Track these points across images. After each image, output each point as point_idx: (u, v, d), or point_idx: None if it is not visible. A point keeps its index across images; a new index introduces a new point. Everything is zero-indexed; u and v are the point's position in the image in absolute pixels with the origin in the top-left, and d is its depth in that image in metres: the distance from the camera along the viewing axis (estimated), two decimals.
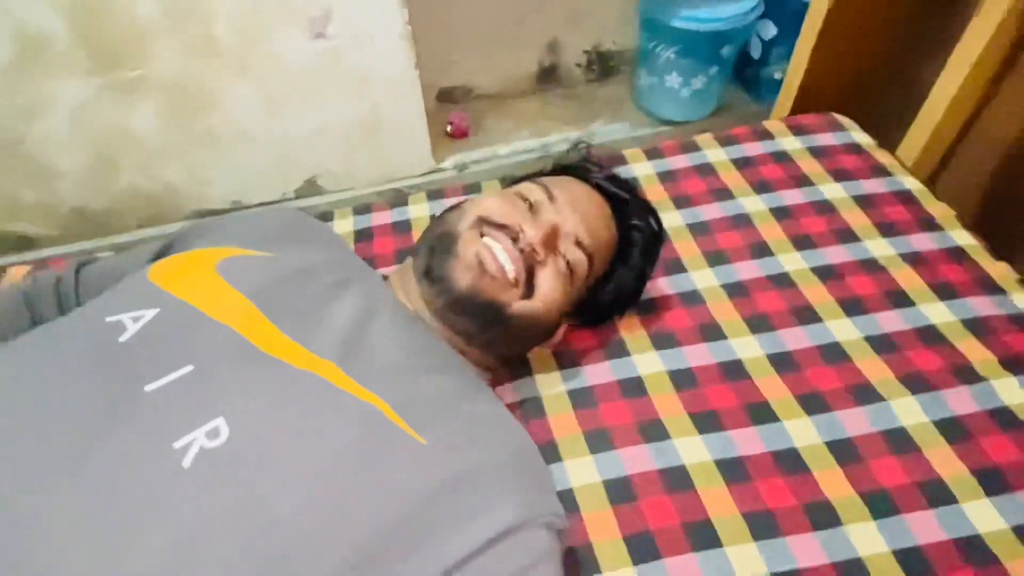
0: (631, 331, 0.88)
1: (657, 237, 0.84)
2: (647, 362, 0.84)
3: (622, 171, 0.99)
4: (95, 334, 0.59)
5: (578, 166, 0.85)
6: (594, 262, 0.76)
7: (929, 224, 0.99)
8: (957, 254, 0.94)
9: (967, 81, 1.10)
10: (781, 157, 1.12)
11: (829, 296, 0.90)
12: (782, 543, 0.67)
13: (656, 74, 1.81)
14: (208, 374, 0.56)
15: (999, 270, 0.92)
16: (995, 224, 1.09)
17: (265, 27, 1.40)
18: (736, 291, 0.92)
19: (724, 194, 1.07)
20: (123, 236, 1.63)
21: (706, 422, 0.77)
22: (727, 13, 1.65)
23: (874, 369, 0.81)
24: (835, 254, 0.95)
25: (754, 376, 0.82)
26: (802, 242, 0.97)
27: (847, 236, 0.98)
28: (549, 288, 0.71)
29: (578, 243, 0.73)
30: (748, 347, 0.85)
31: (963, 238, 0.97)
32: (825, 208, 1.02)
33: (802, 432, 0.76)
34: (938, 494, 0.70)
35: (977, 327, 0.85)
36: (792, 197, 1.05)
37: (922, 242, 0.96)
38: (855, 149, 1.13)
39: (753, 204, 1.04)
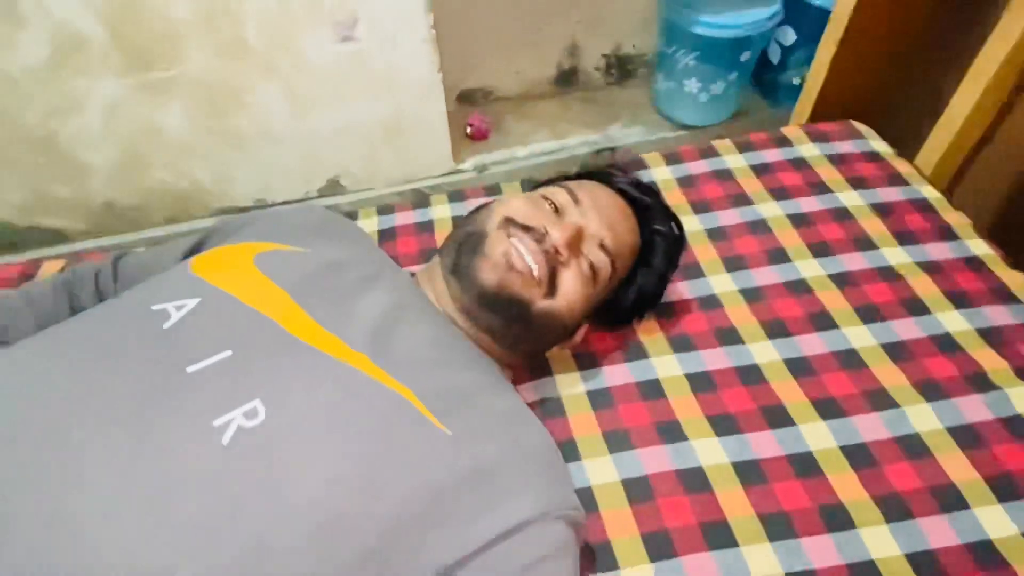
0: (649, 334, 0.90)
1: (679, 242, 0.85)
2: (665, 365, 0.86)
3: (641, 175, 1.01)
4: (142, 321, 0.62)
5: (602, 170, 0.87)
6: (616, 265, 0.77)
7: (946, 233, 1.00)
8: (974, 263, 0.96)
9: (987, 91, 1.11)
10: (799, 164, 1.13)
11: (846, 303, 0.91)
12: (797, 544, 0.69)
13: (675, 79, 1.82)
14: (246, 358, 0.59)
15: (1016, 280, 0.93)
16: (1012, 234, 1.10)
17: (293, 29, 1.43)
18: (753, 296, 0.93)
19: (742, 199, 1.08)
20: (151, 231, 1.67)
21: (723, 424, 0.79)
22: (747, 19, 1.66)
23: (889, 376, 0.83)
24: (852, 261, 0.97)
25: (770, 380, 0.83)
26: (819, 249, 0.99)
27: (864, 243, 0.99)
28: (571, 288, 0.73)
29: (602, 246, 0.75)
30: (765, 352, 0.87)
31: (980, 247, 0.98)
32: (842, 215, 1.04)
33: (817, 436, 0.77)
34: (951, 499, 0.71)
35: (992, 336, 0.86)
36: (810, 204, 1.06)
37: (939, 251, 0.97)
38: (873, 157, 1.14)
39: (771, 210, 1.06)
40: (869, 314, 0.90)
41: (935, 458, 0.75)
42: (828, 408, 0.80)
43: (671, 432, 0.79)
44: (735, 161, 1.15)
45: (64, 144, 1.49)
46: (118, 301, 0.69)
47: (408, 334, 0.67)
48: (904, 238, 0.99)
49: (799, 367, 0.85)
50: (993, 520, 0.69)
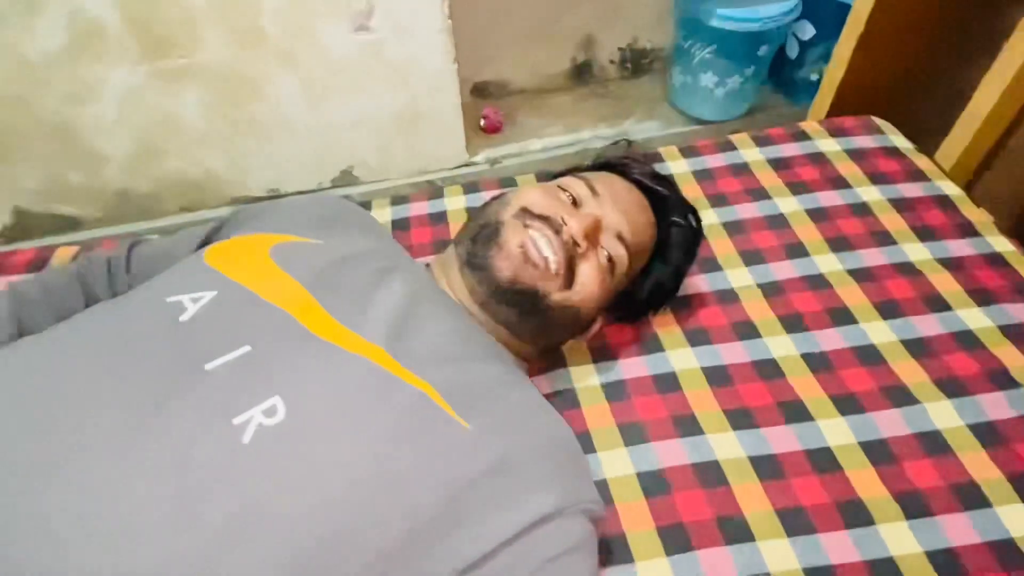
0: (665, 327, 0.89)
1: (696, 235, 0.85)
2: (681, 358, 0.85)
3: (657, 168, 1.00)
4: (157, 313, 0.61)
5: (619, 162, 0.86)
6: (634, 257, 0.77)
7: (967, 229, 0.99)
8: (995, 260, 0.94)
9: (1010, 87, 1.10)
10: (818, 159, 1.12)
11: (865, 298, 0.90)
12: (815, 540, 0.68)
13: (691, 73, 1.81)
14: (264, 354, 0.58)
15: None
16: None
17: (310, 19, 1.43)
18: (771, 290, 0.93)
19: (760, 194, 1.07)
20: (165, 220, 1.67)
21: (740, 419, 0.78)
22: (765, 13, 1.64)
23: (909, 372, 0.82)
24: (871, 257, 0.96)
25: (788, 375, 0.83)
26: (838, 244, 0.98)
27: (883, 239, 0.98)
28: (589, 280, 0.73)
29: (619, 237, 0.74)
30: (782, 346, 0.86)
31: (1001, 244, 0.97)
32: (862, 211, 1.02)
33: (836, 431, 0.77)
34: (972, 497, 0.70)
35: (1015, 333, 0.85)
36: (828, 199, 1.05)
37: (960, 247, 0.96)
38: (893, 153, 1.13)
39: (789, 205, 1.05)
40: (888, 310, 0.89)
41: (956, 455, 0.74)
42: (847, 403, 0.79)
43: (687, 425, 0.78)
44: (752, 155, 1.14)
45: (80, 131, 1.49)
46: (133, 293, 0.68)
47: (425, 327, 0.67)
48: (924, 234, 0.98)
49: (817, 362, 0.84)
50: (1016, 518, 0.68)
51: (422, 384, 0.60)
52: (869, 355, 0.84)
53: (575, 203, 0.75)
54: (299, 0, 1.39)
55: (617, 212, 0.75)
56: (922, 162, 1.11)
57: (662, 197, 0.83)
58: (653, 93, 2.00)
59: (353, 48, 1.49)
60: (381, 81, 1.56)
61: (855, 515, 0.70)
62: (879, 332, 0.86)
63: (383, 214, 1.10)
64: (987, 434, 0.75)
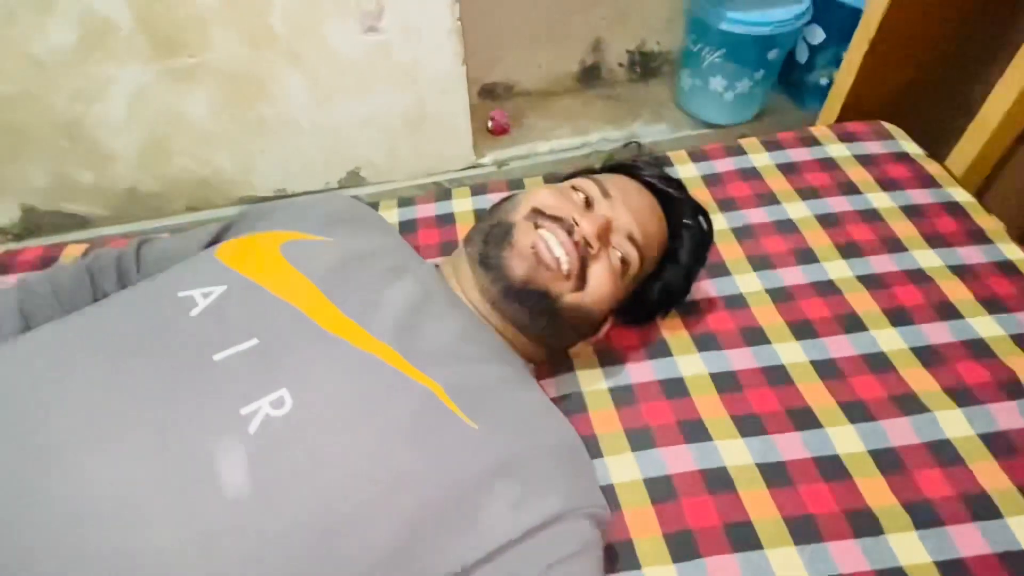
0: (674, 332, 0.88)
1: (706, 237, 0.84)
2: (689, 363, 0.85)
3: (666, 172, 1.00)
4: (168, 307, 0.61)
5: (629, 164, 0.86)
6: (645, 259, 0.76)
7: (978, 237, 0.98)
8: (1007, 268, 0.94)
9: (1022, 95, 1.09)
10: (828, 164, 1.12)
11: (875, 305, 0.90)
12: (823, 548, 0.68)
13: (700, 76, 1.80)
14: (273, 347, 0.58)
15: None
16: None
17: (319, 19, 1.43)
18: (780, 296, 0.92)
19: (769, 199, 1.07)
20: (173, 218, 1.67)
21: (748, 425, 0.78)
22: (776, 17, 1.64)
23: (920, 380, 0.81)
24: (881, 263, 0.95)
25: (797, 382, 0.82)
26: (848, 250, 0.97)
27: (894, 246, 0.97)
28: (601, 282, 0.72)
29: (630, 239, 0.74)
30: (791, 352, 0.85)
31: (1013, 252, 0.96)
32: (872, 217, 1.02)
33: (845, 439, 0.76)
34: (982, 507, 0.70)
35: None
36: (838, 204, 1.04)
37: (971, 255, 0.96)
38: (903, 158, 1.12)
39: (798, 210, 1.04)
40: (899, 317, 0.88)
41: (967, 465, 0.73)
42: (856, 411, 0.79)
43: (695, 431, 0.77)
44: (762, 160, 1.14)
45: (89, 129, 1.49)
46: (143, 286, 0.68)
47: (434, 326, 0.66)
48: (935, 241, 0.98)
49: (826, 369, 0.83)
50: None
51: (429, 383, 0.60)
52: (879, 362, 0.83)
53: (587, 204, 0.75)
54: (308, 0, 1.39)
55: (628, 213, 0.75)
56: (933, 168, 1.10)
57: (673, 199, 0.83)
58: (661, 96, 2.00)
59: (362, 48, 1.48)
60: (389, 82, 1.56)
61: (864, 524, 0.69)
62: (889, 339, 0.86)
63: (390, 216, 1.10)
64: (998, 444, 0.75)
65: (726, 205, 1.06)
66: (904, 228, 1.00)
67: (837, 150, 1.14)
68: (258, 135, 1.59)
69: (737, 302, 0.92)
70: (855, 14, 1.35)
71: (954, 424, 0.76)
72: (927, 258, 0.95)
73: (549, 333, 0.75)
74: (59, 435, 0.51)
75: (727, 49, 1.70)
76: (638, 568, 0.68)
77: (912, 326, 0.87)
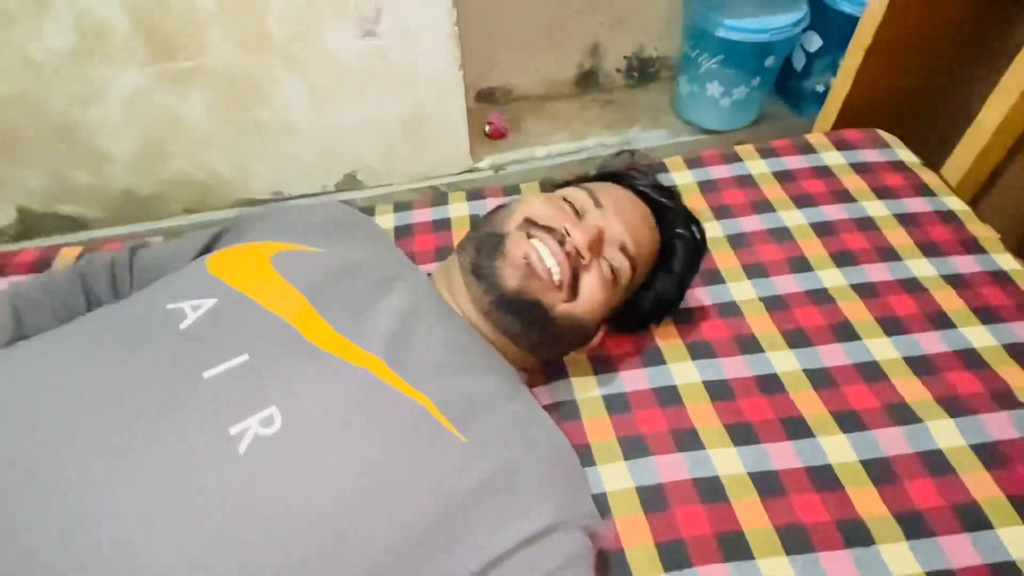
0: (667, 340, 0.88)
1: (699, 246, 0.84)
2: (683, 371, 0.85)
3: (662, 179, 1.00)
4: (157, 320, 0.61)
5: (622, 173, 0.86)
6: (637, 268, 0.77)
7: (972, 246, 0.98)
8: (1000, 278, 0.94)
9: (1017, 104, 1.09)
10: (823, 171, 1.12)
11: (868, 314, 0.90)
12: (814, 558, 0.68)
13: (697, 82, 1.80)
14: (262, 364, 0.58)
15: None
16: None
17: (317, 23, 1.43)
18: (774, 304, 0.92)
19: (764, 206, 1.07)
20: (169, 221, 1.67)
21: (741, 434, 0.78)
22: (773, 24, 1.64)
23: (912, 390, 0.81)
24: (876, 272, 0.95)
25: (790, 390, 0.82)
26: (842, 258, 0.97)
27: (888, 254, 0.98)
28: (592, 292, 0.72)
29: (622, 249, 0.74)
30: (785, 361, 0.85)
31: (1007, 262, 0.96)
32: (867, 225, 1.02)
33: (837, 449, 0.76)
34: (974, 518, 0.70)
35: (1019, 353, 0.84)
36: (833, 212, 1.05)
37: (965, 264, 0.96)
38: (899, 167, 1.13)
39: (793, 218, 1.04)
40: (892, 326, 0.88)
41: (958, 475, 0.73)
42: (849, 420, 0.79)
43: (688, 440, 0.77)
44: (758, 167, 1.14)
45: (85, 132, 1.49)
46: (134, 299, 0.68)
47: (425, 338, 0.66)
48: (929, 250, 0.98)
49: (820, 378, 0.83)
50: (1017, 540, 0.68)
51: (420, 397, 0.60)
52: (872, 372, 0.83)
53: (578, 214, 0.75)
54: (306, 4, 1.39)
55: (620, 223, 0.75)
56: (928, 177, 1.11)
57: (665, 208, 0.83)
58: (658, 102, 2.00)
59: (359, 53, 1.48)
60: (386, 86, 1.56)
61: (855, 534, 0.69)
62: (882, 349, 0.86)
63: (387, 220, 1.10)
64: (990, 454, 0.75)
65: (721, 212, 1.06)
66: (898, 237, 1.00)
67: (833, 158, 1.14)
68: (255, 138, 1.59)
69: (731, 310, 0.92)
70: (852, 21, 1.36)
71: (946, 434, 0.77)
72: (921, 267, 0.96)
73: (541, 343, 0.75)
74: (47, 457, 0.51)
75: (724, 55, 1.70)
76: None
77: (905, 335, 0.87)
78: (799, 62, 1.84)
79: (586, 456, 0.76)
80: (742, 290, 0.94)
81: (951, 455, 0.75)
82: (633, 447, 0.77)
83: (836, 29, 1.67)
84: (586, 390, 0.83)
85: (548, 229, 0.72)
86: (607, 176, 0.86)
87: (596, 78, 2.02)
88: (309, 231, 0.77)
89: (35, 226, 1.64)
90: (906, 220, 1.02)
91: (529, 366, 0.80)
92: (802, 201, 1.07)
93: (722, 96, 1.79)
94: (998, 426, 0.77)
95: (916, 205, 1.05)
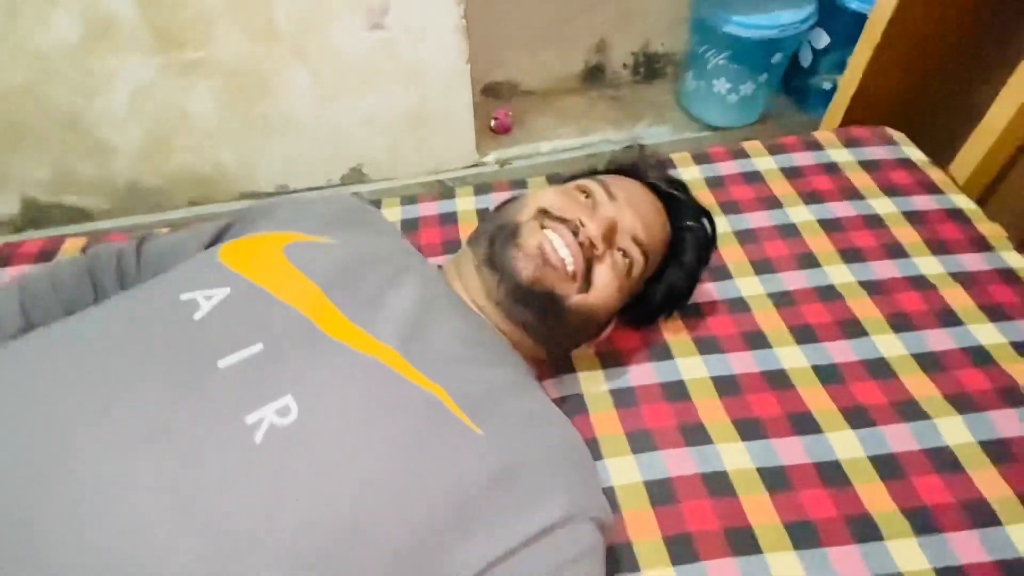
0: (675, 335, 0.88)
1: (709, 239, 0.84)
2: (691, 366, 0.85)
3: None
4: (171, 311, 0.61)
5: (633, 165, 0.86)
6: (649, 260, 0.77)
7: (980, 244, 0.98)
8: (1008, 276, 0.94)
9: None
10: (831, 168, 1.12)
11: (876, 311, 0.90)
12: (822, 554, 0.68)
13: (704, 79, 1.80)
14: (277, 353, 0.58)
15: None
16: None
17: (324, 16, 1.43)
18: (782, 300, 0.92)
19: (772, 202, 1.07)
20: (173, 213, 1.67)
21: (748, 429, 0.78)
22: (781, 21, 1.64)
23: (920, 387, 0.81)
24: (883, 269, 0.95)
25: (798, 386, 0.82)
26: (850, 255, 0.97)
27: (896, 252, 0.97)
28: (605, 283, 0.72)
29: (635, 240, 0.74)
30: (793, 357, 0.85)
31: (1015, 260, 0.96)
32: (874, 222, 1.02)
33: (845, 445, 0.76)
34: (982, 515, 0.70)
35: None
36: (841, 209, 1.04)
37: (973, 262, 0.96)
38: (907, 164, 1.12)
39: (801, 214, 1.04)
40: (900, 323, 0.88)
41: (966, 472, 0.73)
42: (856, 417, 0.79)
43: (695, 435, 0.77)
44: (765, 163, 1.14)
45: (91, 123, 1.49)
46: (145, 288, 0.68)
47: (438, 330, 0.66)
48: (937, 247, 0.98)
49: (828, 374, 0.83)
50: None
51: (435, 388, 0.60)
52: (880, 368, 0.83)
53: (591, 205, 0.75)
54: None
55: (633, 215, 0.75)
56: (936, 175, 1.10)
57: (677, 201, 0.83)
58: (664, 98, 2.00)
59: (366, 46, 1.48)
60: (393, 80, 1.56)
61: (863, 530, 0.69)
62: (890, 345, 0.86)
63: (393, 214, 1.10)
64: (998, 451, 0.75)
65: (728, 208, 1.06)
66: (906, 234, 1.00)
67: (840, 155, 1.14)
68: (260, 131, 1.59)
69: (739, 306, 0.92)
70: (860, 19, 1.35)
71: (954, 431, 0.77)
72: (929, 265, 0.95)
73: (554, 334, 0.75)
74: (61, 446, 0.51)
75: (731, 52, 1.70)
76: (637, 571, 0.68)
77: (913, 332, 0.87)
78: (806, 59, 1.84)
79: (594, 450, 0.76)
80: (750, 286, 0.94)
81: (959, 452, 0.75)
82: (640, 441, 0.77)
83: (843, 26, 1.67)
84: (593, 384, 0.83)
85: (562, 220, 0.71)
86: (619, 169, 0.86)
87: (602, 74, 2.01)
88: (320, 222, 0.77)
89: (39, 217, 1.64)
90: (914, 218, 1.02)
91: (539, 358, 0.79)
92: (810, 198, 1.06)
93: (729, 92, 1.78)
94: (1006, 423, 0.77)
95: (924, 203, 1.05)
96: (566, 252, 0.70)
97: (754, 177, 1.11)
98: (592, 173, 0.85)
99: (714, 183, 1.11)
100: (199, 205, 1.69)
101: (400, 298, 0.67)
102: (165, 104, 1.49)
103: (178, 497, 0.49)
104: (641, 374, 0.84)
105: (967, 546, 0.68)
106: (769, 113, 1.92)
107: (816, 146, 1.16)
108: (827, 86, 1.82)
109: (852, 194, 1.07)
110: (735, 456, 0.75)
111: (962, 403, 0.79)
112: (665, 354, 0.86)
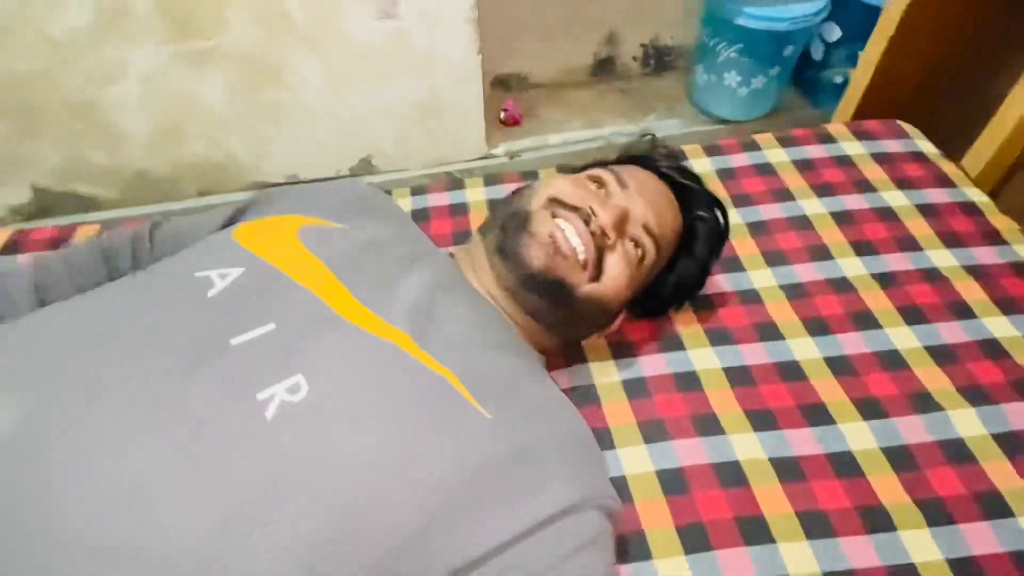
0: (687, 326, 0.88)
1: (722, 230, 0.84)
2: (703, 357, 0.85)
3: None
4: (185, 288, 0.61)
5: (646, 155, 0.86)
6: (661, 249, 0.76)
7: (993, 237, 0.98)
8: (1021, 269, 0.93)
9: None
10: (843, 161, 1.12)
11: (889, 303, 0.90)
12: (835, 543, 0.68)
13: (715, 71, 1.79)
14: (289, 332, 0.58)
15: None
16: None
17: (336, 4, 1.42)
18: (794, 292, 0.92)
19: (784, 195, 1.06)
20: (183, 202, 1.68)
21: (761, 420, 0.78)
22: (793, 13, 1.63)
23: (933, 379, 0.81)
24: (896, 261, 0.95)
25: (811, 378, 0.82)
26: (862, 247, 0.97)
27: (909, 244, 0.97)
28: (617, 272, 0.72)
29: (647, 229, 0.74)
30: (805, 348, 0.85)
31: None
32: (887, 215, 1.02)
33: (858, 436, 0.76)
34: (995, 506, 0.70)
35: None
36: (853, 202, 1.04)
37: (985, 255, 0.95)
38: (919, 157, 1.12)
39: (813, 207, 1.04)
40: (913, 315, 0.88)
41: (979, 464, 0.73)
42: (869, 408, 0.79)
43: (708, 425, 0.77)
44: (777, 156, 1.14)
45: (102, 111, 1.50)
46: (160, 266, 0.68)
47: (449, 315, 0.66)
48: (950, 240, 0.97)
49: (840, 365, 0.83)
50: None
51: (444, 371, 0.60)
52: (893, 360, 0.83)
53: (604, 194, 0.75)
54: None
55: (645, 204, 0.75)
56: (948, 168, 1.10)
57: (689, 191, 0.83)
58: (675, 91, 1.99)
59: (378, 35, 1.48)
60: (404, 70, 1.56)
61: (876, 520, 0.69)
62: (903, 338, 0.86)
63: (403, 204, 1.10)
64: (1011, 443, 0.75)
65: (740, 200, 1.06)
66: (919, 227, 0.99)
67: (853, 148, 1.14)
68: (271, 120, 1.59)
69: (751, 297, 0.92)
70: (872, 12, 1.35)
71: (967, 423, 0.76)
72: (941, 257, 0.95)
73: (564, 323, 0.75)
74: (70, 422, 0.51)
75: (743, 44, 1.69)
76: (649, 559, 0.68)
77: (926, 325, 0.87)
78: (817, 52, 1.83)
79: (606, 440, 0.76)
80: (762, 278, 0.94)
81: (972, 444, 0.75)
82: (653, 431, 0.77)
83: (855, 20, 1.66)
84: (605, 375, 0.83)
85: (573, 208, 0.71)
86: (631, 159, 0.86)
87: (612, 66, 2.01)
88: (334, 208, 0.77)
89: (50, 205, 1.64)
90: (927, 211, 1.02)
91: (550, 348, 0.80)
92: (822, 190, 1.06)
93: (739, 86, 1.78)
94: (1019, 415, 0.77)
95: (936, 196, 1.04)
96: (577, 241, 0.70)
97: (766, 169, 1.11)
98: (604, 163, 0.85)
99: (725, 175, 1.11)
100: (208, 195, 1.69)
101: (411, 283, 0.67)
102: (176, 92, 1.50)
103: (187, 467, 0.50)
104: (653, 364, 0.84)
105: (980, 537, 0.68)
106: (780, 107, 1.91)
107: (828, 139, 1.16)
108: (839, 80, 1.82)
109: (864, 187, 1.06)
110: (748, 446, 0.75)
111: (975, 395, 0.79)
112: (678, 345, 0.86)
